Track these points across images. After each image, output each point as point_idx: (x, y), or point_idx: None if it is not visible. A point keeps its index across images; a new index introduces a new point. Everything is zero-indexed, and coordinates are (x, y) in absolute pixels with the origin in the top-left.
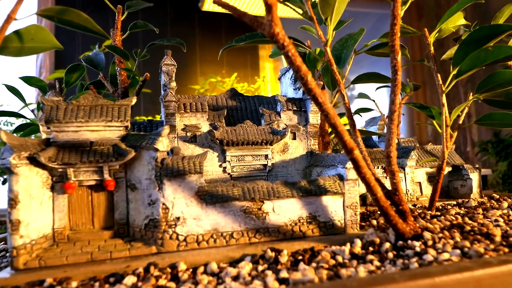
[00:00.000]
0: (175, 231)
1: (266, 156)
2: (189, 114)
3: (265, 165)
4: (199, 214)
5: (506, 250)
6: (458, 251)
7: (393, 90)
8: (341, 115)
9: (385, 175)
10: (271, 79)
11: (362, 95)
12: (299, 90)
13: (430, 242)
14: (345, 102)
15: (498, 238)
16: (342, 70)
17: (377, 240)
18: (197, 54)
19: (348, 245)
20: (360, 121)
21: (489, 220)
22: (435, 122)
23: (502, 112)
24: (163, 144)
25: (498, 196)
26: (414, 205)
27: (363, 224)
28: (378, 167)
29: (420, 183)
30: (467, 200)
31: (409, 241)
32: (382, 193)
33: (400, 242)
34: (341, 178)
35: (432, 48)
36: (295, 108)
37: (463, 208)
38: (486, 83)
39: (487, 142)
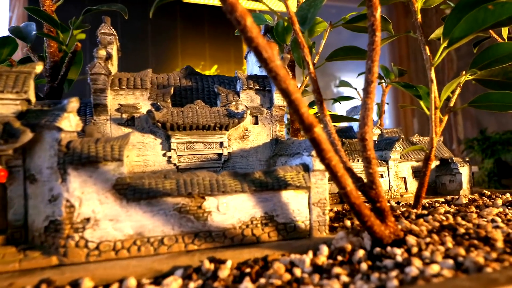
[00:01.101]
0: (84, 236)
1: (221, 144)
2: (126, 91)
3: (220, 155)
4: (118, 214)
5: None
6: (450, 262)
7: (370, 55)
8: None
9: None
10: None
11: (343, 83)
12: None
13: (415, 249)
14: (310, 71)
15: (500, 244)
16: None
17: (349, 247)
18: (179, 46)
19: (310, 253)
20: (341, 110)
21: (485, 220)
22: (423, 104)
23: (501, 92)
24: (69, 122)
25: (489, 193)
26: (398, 203)
27: (336, 225)
28: (358, 160)
29: (405, 178)
30: (457, 197)
31: (389, 248)
32: (353, 186)
33: (378, 249)
34: (307, 168)
35: (419, 16)
36: (258, 87)
37: (453, 206)
38: (481, 58)
39: (473, 139)
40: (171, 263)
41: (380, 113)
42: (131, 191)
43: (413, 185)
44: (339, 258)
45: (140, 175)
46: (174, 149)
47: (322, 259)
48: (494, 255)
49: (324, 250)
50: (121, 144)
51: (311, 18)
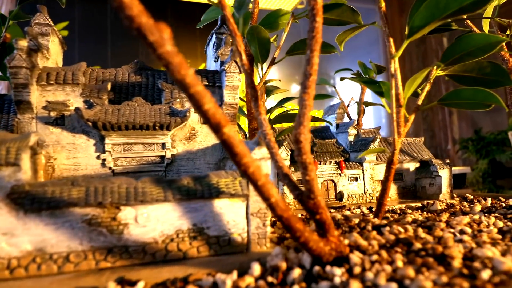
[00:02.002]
0: None
1: (163, 145)
2: (55, 87)
3: (162, 157)
4: (13, 228)
5: (466, 285)
6: (394, 286)
7: (309, 44)
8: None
9: (339, 171)
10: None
11: (322, 81)
12: (217, 60)
13: (357, 269)
14: (243, 62)
15: (457, 263)
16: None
17: (283, 265)
18: None
19: (235, 273)
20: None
21: (452, 231)
22: (384, 102)
23: (473, 89)
24: None
25: (472, 197)
26: (370, 208)
27: (286, 235)
28: (331, 162)
29: (382, 181)
30: (432, 202)
31: (328, 267)
32: (279, 197)
33: (317, 268)
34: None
35: (382, 4)
36: (206, 83)
37: (425, 213)
38: (451, 51)
39: (468, 139)
40: (72, 284)
41: (359, 112)
42: (30, 201)
43: (390, 188)
44: (270, 279)
45: (42, 182)
46: (109, 151)
47: (249, 280)
48: (444, 279)
49: (256, 268)
50: (20, 146)
51: (248, 2)
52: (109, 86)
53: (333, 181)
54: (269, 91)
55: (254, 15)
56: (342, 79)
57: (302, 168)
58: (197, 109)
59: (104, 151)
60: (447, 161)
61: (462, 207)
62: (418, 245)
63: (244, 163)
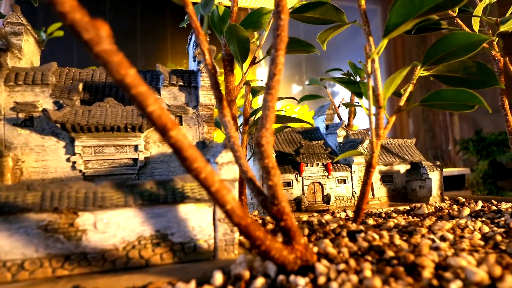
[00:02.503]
0: None
1: (136, 147)
2: (23, 87)
3: (135, 160)
4: None
5: None
6: None
7: (274, 43)
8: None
9: (326, 173)
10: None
11: (312, 81)
12: (195, 60)
13: (322, 279)
14: (205, 60)
15: (427, 273)
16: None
17: (246, 274)
18: (168, 45)
19: (193, 283)
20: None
21: (432, 237)
22: (361, 103)
23: (455, 89)
24: None
25: (464, 200)
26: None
27: None
28: (318, 164)
29: (372, 183)
30: (419, 205)
31: (292, 276)
32: (236, 203)
33: (281, 277)
34: None
35: (363, 2)
36: (182, 83)
37: (410, 217)
38: (434, 51)
39: (468, 140)
40: None
41: (350, 113)
42: None
43: (380, 191)
44: None
45: None
46: (79, 154)
47: None
48: None
49: (217, 277)
50: None
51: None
52: (80, 87)
53: (320, 183)
54: (255, 91)
55: (233, 14)
56: (321, 79)
57: (264, 173)
58: (141, 111)
59: (74, 154)
60: (438, 163)
61: (451, 211)
62: (390, 253)
63: (195, 168)
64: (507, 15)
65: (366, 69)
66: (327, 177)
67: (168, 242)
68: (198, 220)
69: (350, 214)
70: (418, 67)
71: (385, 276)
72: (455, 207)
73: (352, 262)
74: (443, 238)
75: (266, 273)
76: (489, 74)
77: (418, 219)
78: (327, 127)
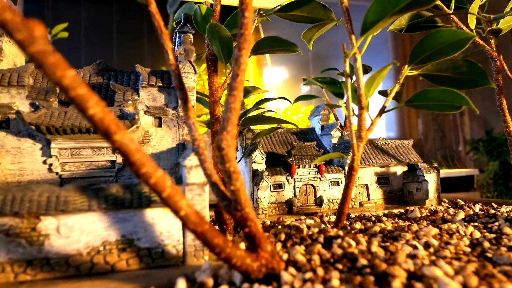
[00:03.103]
0: None
1: (114, 150)
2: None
3: (113, 162)
4: None
5: None
6: None
7: (238, 42)
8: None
9: (319, 175)
10: (253, 72)
11: (309, 82)
12: (177, 59)
13: None
14: (169, 60)
15: (397, 283)
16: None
17: (210, 282)
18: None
19: None
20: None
21: (414, 243)
22: (342, 104)
23: (441, 89)
24: None
25: (463, 202)
26: (348, 215)
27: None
28: (310, 166)
29: (367, 185)
30: (411, 209)
31: (256, 285)
32: (190, 209)
33: (245, 286)
34: (179, 181)
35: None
36: (161, 84)
37: (401, 221)
38: (420, 49)
39: (478, 140)
40: None
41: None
42: None
43: (376, 193)
44: None
45: None
46: (56, 156)
47: None
48: None
49: (180, 285)
50: None
51: None
52: (58, 88)
53: (312, 185)
54: (247, 92)
55: (216, 13)
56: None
57: (226, 177)
58: (82, 114)
59: (50, 156)
60: (435, 165)
61: (445, 215)
62: (363, 261)
63: (143, 173)
64: (506, 10)
65: (345, 69)
66: (320, 179)
67: (134, 247)
68: (166, 225)
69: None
70: (406, 66)
71: (353, 286)
72: (451, 210)
73: (320, 271)
74: (427, 245)
75: (232, 281)
76: (480, 73)
77: (409, 223)
78: (322, 127)
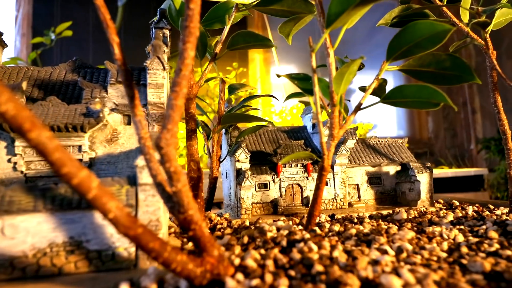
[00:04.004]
0: None
1: (80, 148)
2: None
3: (80, 161)
4: None
5: None
6: None
7: (182, 35)
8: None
9: (306, 175)
10: (260, 70)
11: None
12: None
13: None
14: (115, 55)
15: None
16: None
17: (153, 287)
18: None
19: None
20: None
21: (385, 247)
22: (311, 101)
23: (417, 85)
24: None
25: (458, 203)
26: (331, 216)
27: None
28: (297, 165)
29: (358, 185)
30: (397, 210)
31: None
32: (120, 212)
33: None
34: (132, 181)
35: None
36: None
37: (384, 223)
38: (397, 43)
39: (490, 139)
40: None
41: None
42: None
43: (367, 193)
44: None
45: None
46: (20, 154)
47: None
48: None
49: None
50: None
51: None
52: (24, 85)
53: (299, 185)
54: (233, 89)
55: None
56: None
57: (168, 178)
58: None
59: (15, 154)
60: (428, 164)
61: (433, 217)
62: (319, 267)
63: (65, 173)
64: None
65: (311, 64)
66: (307, 179)
67: (83, 249)
68: None
69: (323, 219)
70: (384, 62)
71: None
72: (442, 212)
73: (269, 277)
74: (399, 250)
75: (178, 286)
76: (464, 68)
77: (390, 225)
78: (313, 126)
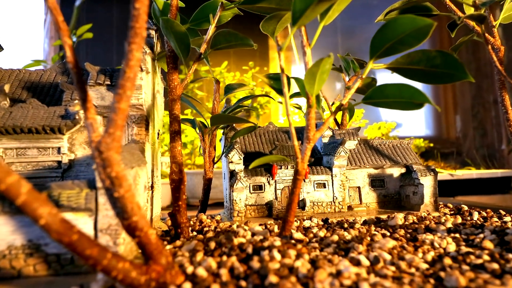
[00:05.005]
0: None
1: (59, 150)
2: None
3: (59, 162)
4: None
5: None
6: None
7: (128, 36)
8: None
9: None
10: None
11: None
12: None
13: None
14: (67, 58)
15: None
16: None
17: None
18: None
19: None
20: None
21: (359, 257)
22: (282, 99)
23: (398, 84)
24: None
25: (467, 208)
26: (325, 220)
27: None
28: (293, 167)
29: (359, 188)
30: (392, 215)
31: None
32: (52, 218)
33: None
34: (92, 185)
35: None
36: (109, 82)
37: (374, 229)
38: (380, 40)
39: None
40: None
41: (343, 112)
42: None
43: (369, 196)
44: None
45: None
46: (1, 156)
47: None
48: None
49: None
50: None
51: None
52: (7, 88)
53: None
54: (230, 89)
55: (173, 7)
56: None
57: (109, 184)
58: None
59: None
60: (432, 167)
61: (431, 223)
62: (273, 278)
63: None
64: None
65: (279, 63)
66: (304, 181)
67: (41, 252)
68: None
69: (313, 223)
70: (368, 60)
71: None
72: (444, 218)
73: None
74: (376, 259)
75: None
76: (456, 65)
77: (387, 231)
78: (316, 126)
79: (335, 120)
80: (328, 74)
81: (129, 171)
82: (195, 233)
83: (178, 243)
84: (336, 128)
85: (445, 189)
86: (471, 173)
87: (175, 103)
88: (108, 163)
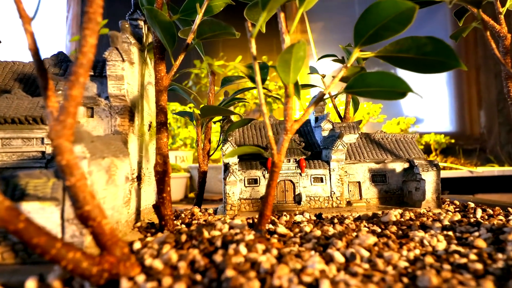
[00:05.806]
0: None
1: (43, 140)
2: None
3: (43, 153)
4: None
5: None
6: None
7: (82, 21)
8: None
9: (298, 170)
10: None
11: (312, 70)
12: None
13: None
14: (28, 45)
15: None
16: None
17: (57, 284)
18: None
19: None
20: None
21: (334, 253)
22: (260, 89)
23: (379, 73)
24: None
25: (473, 205)
26: (318, 216)
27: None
28: (289, 160)
29: (359, 183)
30: (386, 212)
31: None
32: None
33: None
34: (59, 174)
35: None
36: (92, 73)
37: (362, 225)
38: (364, 26)
39: None
40: None
41: (346, 104)
42: None
43: (370, 191)
44: None
45: None
46: None
47: None
48: None
49: (29, 285)
50: None
51: None
52: None
53: (291, 181)
54: (227, 81)
55: None
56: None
57: (60, 172)
58: None
59: None
60: (435, 162)
61: (427, 220)
62: (230, 272)
63: None
64: None
65: (250, 50)
66: (300, 175)
67: (8, 241)
68: (43, 220)
69: (304, 218)
70: (354, 47)
71: None
72: (442, 215)
73: (167, 281)
74: (352, 256)
75: (83, 285)
76: (448, 53)
77: (378, 227)
78: (316, 119)
79: (338, 113)
80: (303, 61)
81: (99, 161)
82: (183, 225)
83: (159, 235)
84: (339, 121)
85: (464, 186)
86: (492, 170)
87: (161, 94)
88: (58, 151)
